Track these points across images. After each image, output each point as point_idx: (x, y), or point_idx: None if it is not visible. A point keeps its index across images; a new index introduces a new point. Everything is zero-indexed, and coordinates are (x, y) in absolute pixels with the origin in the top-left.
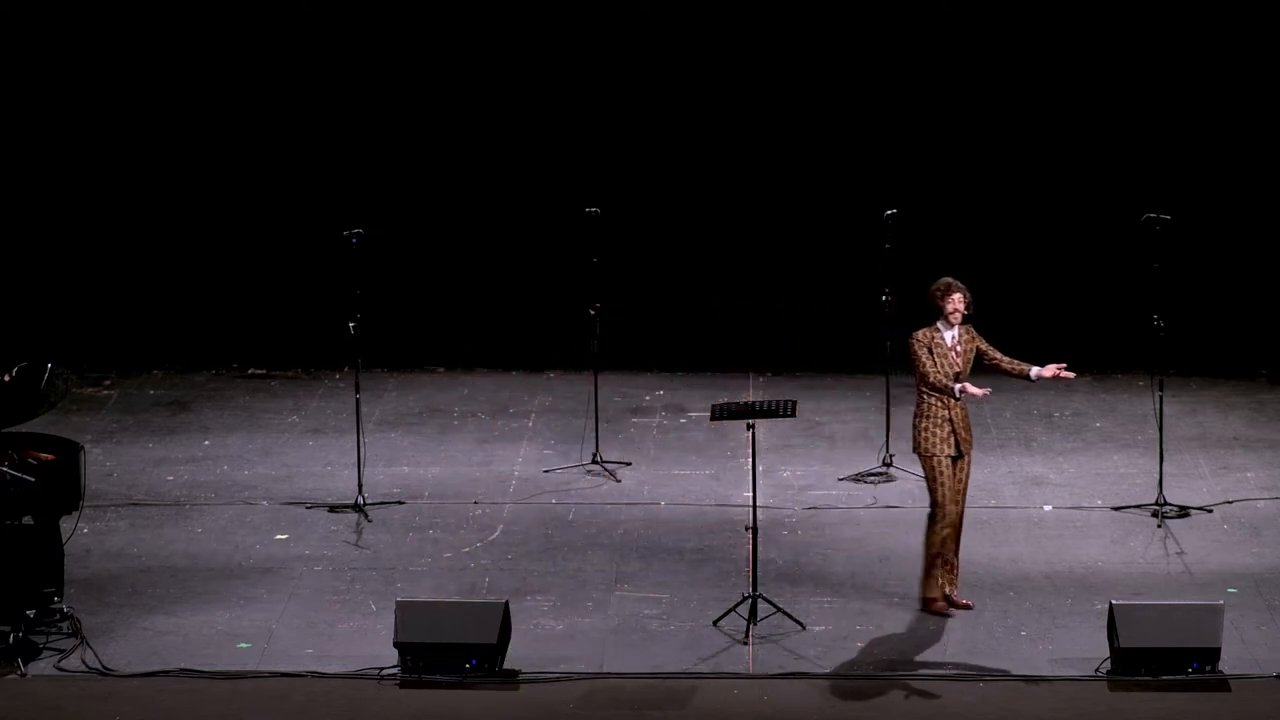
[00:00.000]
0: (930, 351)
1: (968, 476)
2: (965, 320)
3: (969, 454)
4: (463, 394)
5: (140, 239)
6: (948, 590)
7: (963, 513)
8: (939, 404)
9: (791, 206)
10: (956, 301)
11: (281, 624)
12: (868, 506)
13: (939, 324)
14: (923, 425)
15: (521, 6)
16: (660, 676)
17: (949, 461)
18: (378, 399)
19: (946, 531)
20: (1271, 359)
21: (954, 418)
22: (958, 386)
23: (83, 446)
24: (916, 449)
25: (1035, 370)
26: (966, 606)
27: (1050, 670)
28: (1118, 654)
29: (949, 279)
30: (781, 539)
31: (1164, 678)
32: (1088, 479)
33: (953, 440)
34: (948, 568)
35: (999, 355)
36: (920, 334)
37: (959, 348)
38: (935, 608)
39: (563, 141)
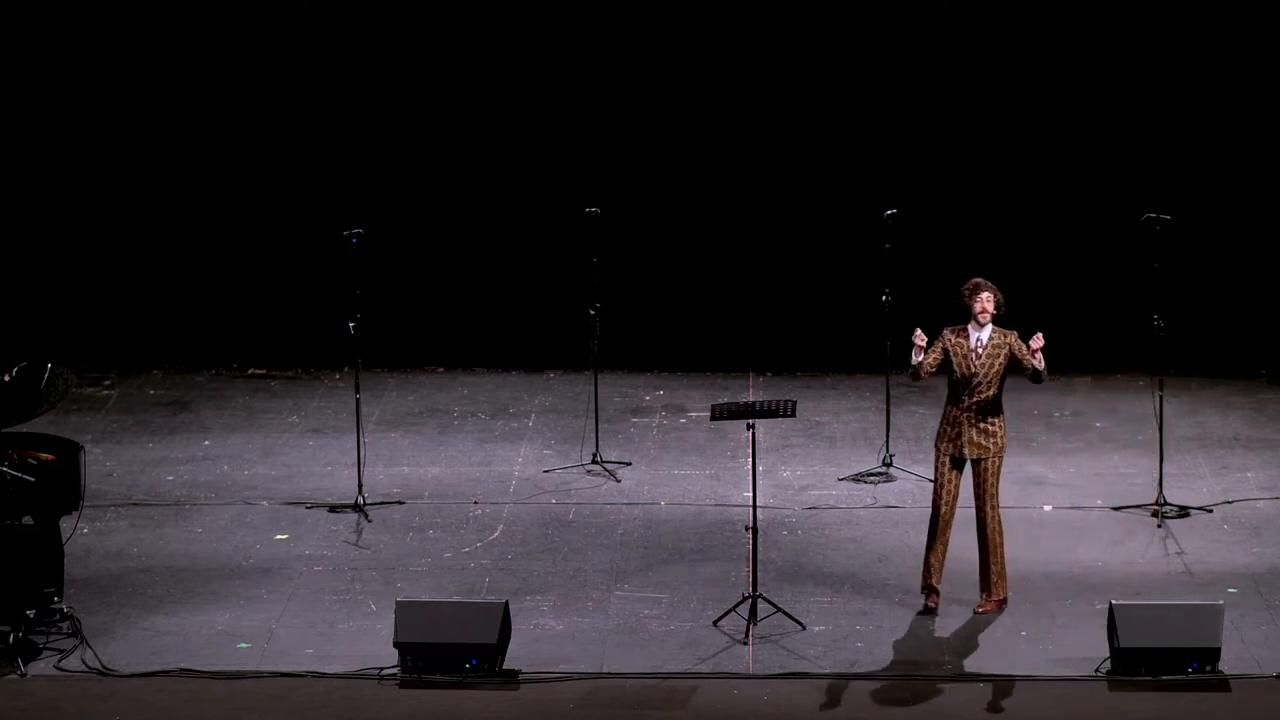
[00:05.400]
0: (945, 349)
1: (987, 483)
2: (1001, 323)
3: (985, 459)
4: (463, 394)
5: (140, 239)
6: (935, 583)
7: (984, 519)
8: (950, 404)
9: (791, 206)
10: (985, 301)
11: (281, 624)
12: (868, 506)
13: (970, 325)
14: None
15: (521, 6)
16: (660, 676)
17: (947, 462)
18: (378, 399)
19: (934, 528)
20: (1271, 359)
21: (963, 420)
22: (911, 369)
23: (83, 446)
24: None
25: (1031, 361)
26: (988, 609)
27: (1050, 670)
28: (1118, 654)
29: (979, 279)
30: (781, 539)
31: (1164, 678)
32: (1087, 479)
33: (956, 443)
34: (937, 563)
35: (1026, 357)
36: (949, 329)
37: (981, 350)
38: (929, 600)
39: (563, 141)
